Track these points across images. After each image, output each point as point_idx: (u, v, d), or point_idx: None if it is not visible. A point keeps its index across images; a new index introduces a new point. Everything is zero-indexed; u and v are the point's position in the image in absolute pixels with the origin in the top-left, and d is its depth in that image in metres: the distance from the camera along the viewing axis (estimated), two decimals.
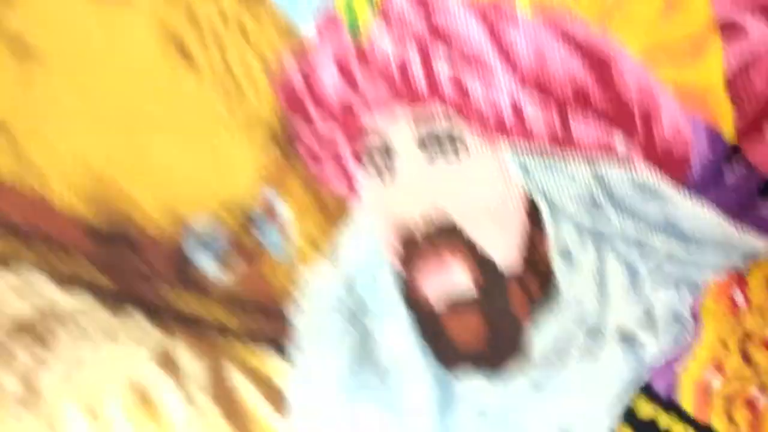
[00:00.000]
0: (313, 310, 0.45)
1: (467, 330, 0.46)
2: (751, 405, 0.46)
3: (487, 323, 0.46)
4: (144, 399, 0.39)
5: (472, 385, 0.46)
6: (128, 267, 0.40)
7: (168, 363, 0.40)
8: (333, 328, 0.46)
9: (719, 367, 0.46)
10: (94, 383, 0.35)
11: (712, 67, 0.48)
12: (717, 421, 0.46)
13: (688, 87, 0.47)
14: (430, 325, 0.46)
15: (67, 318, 0.37)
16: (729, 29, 0.48)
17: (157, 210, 0.42)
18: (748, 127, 0.47)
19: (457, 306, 0.46)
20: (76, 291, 0.38)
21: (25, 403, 0.34)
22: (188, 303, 0.42)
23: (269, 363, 0.44)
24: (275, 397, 0.44)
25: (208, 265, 0.44)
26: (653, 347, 0.46)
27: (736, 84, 0.47)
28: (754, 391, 0.46)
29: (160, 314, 0.41)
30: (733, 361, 0.46)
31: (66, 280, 0.38)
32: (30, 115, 0.39)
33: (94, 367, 0.36)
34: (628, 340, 0.46)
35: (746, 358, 0.46)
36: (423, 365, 0.46)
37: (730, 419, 0.46)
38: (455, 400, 0.46)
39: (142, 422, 0.38)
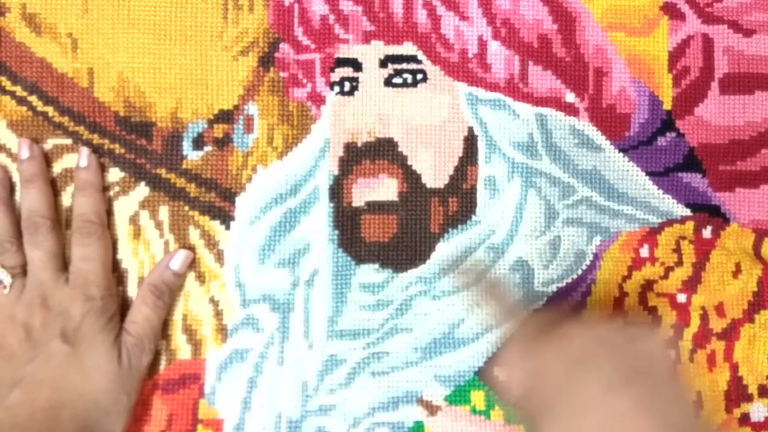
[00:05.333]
0: (255, 195, 0.49)
1: (379, 227, 0.49)
2: None
3: (399, 225, 0.49)
4: (137, 231, 0.49)
5: (371, 275, 0.49)
6: (141, 147, 0.49)
7: (153, 215, 0.49)
8: (265, 210, 0.49)
9: (620, 311, 0.50)
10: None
11: (659, 42, 0.51)
12: None
13: (638, 55, 0.51)
14: (348, 218, 0.49)
15: None
16: (673, 12, 0.51)
17: (165, 112, 0.49)
18: (682, 100, 0.51)
19: (376, 206, 0.49)
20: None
21: None
22: (174, 178, 0.49)
23: (215, 228, 0.49)
24: (217, 253, 0.50)
25: (189, 150, 0.49)
26: (542, 274, 0.50)
27: (676, 60, 0.51)
28: None
29: (154, 182, 0.49)
30: (631, 302, 0.50)
31: (104, 154, 0.49)
32: (89, 29, 0.49)
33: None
34: (521, 263, 0.50)
35: (643, 302, 0.50)
36: (330, 250, 0.49)
37: None
38: (352, 286, 0.49)
39: (134, 243, 0.49)
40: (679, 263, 0.50)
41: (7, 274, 0.45)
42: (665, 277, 0.50)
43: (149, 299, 0.47)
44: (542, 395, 0.40)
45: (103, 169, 0.49)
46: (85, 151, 0.48)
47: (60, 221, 0.48)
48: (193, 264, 0.49)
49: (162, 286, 0.47)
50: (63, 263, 0.46)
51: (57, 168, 0.48)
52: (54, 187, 0.48)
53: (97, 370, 0.44)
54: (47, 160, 0.48)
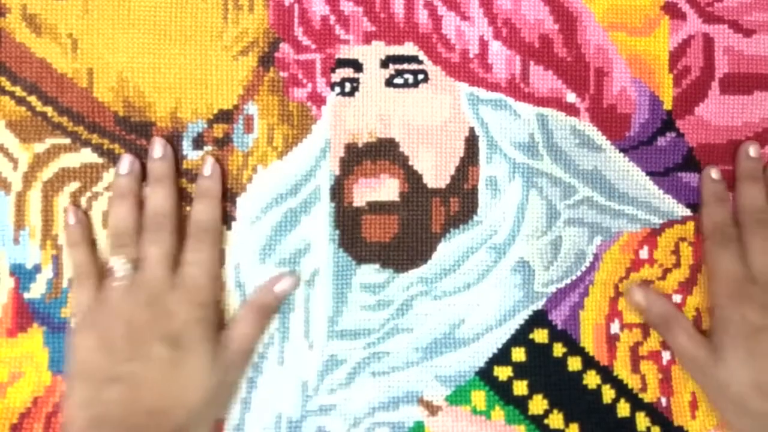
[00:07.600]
0: (255, 195, 0.49)
1: (380, 227, 0.49)
2: (655, 358, 0.50)
3: (400, 225, 0.49)
4: None
5: (372, 275, 0.49)
6: (141, 147, 0.49)
7: None
8: (266, 210, 0.48)
9: (615, 312, 0.50)
10: None
11: (660, 42, 0.51)
12: (620, 367, 0.50)
13: (639, 55, 0.51)
14: (348, 218, 0.49)
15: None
16: (674, 11, 0.51)
17: (164, 112, 0.49)
18: (683, 100, 0.51)
19: (377, 206, 0.49)
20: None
21: None
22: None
23: None
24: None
25: (189, 150, 0.49)
26: (542, 275, 0.50)
27: (676, 60, 0.51)
28: (656, 345, 0.50)
29: None
30: (625, 301, 0.50)
31: (104, 153, 0.49)
32: (89, 30, 0.49)
33: None
34: (522, 263, 0.50)
35: None
36: (331, 250, 0.49)
37: (635, 369, 0.50)
38: (353, 286, 0.49)
39: None
40: (677, 265, 0.50)
41: (126, 262, 0.45)
42: (663, 278, 0.50)
43: (249, 318, 0.47)
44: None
45: (108, 166, 0.48)
46: (209, 159, 0.48)
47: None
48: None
49: (265, 307, 0.47)
50: (175, 266, 0.46)
51: (54, 167, 0.48)
52: (51, 188, 0.48)
53: (197, 380, 0.44)
54: (45, 159, 0.48)
